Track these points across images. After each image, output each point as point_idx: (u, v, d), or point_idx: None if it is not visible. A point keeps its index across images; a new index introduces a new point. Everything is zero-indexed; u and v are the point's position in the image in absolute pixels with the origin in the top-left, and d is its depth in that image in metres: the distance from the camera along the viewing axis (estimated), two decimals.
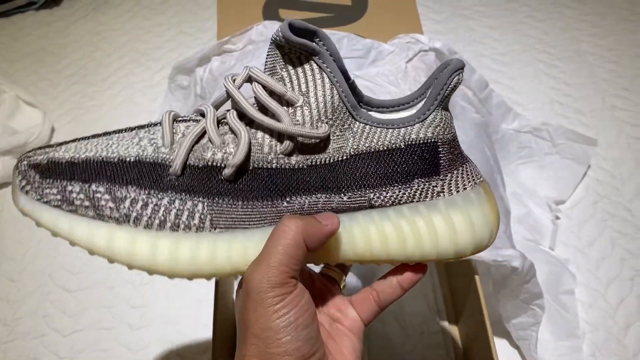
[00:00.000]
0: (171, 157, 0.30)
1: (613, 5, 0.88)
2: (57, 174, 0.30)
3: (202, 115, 0.32)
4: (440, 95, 0.31)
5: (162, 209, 0.30)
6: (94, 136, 0.32)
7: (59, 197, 0.30)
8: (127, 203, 0.30)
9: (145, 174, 0.30)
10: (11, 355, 0.58)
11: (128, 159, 0.30)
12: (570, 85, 0.78)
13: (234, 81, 0.32)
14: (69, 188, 0.30)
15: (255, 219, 0.31)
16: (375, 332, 0.57)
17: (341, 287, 0.39)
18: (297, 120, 0.30)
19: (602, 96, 0.76)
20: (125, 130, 0.32)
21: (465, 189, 0.32)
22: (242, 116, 0.31)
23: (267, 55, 0.31)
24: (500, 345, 0.56)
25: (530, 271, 0.49)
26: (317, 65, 0.30)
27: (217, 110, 0.32)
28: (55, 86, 0.82)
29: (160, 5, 0.92)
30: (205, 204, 0.30)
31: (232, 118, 0.31)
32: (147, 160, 0.30)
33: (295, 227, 0.28)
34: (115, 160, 0.30)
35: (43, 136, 0.74)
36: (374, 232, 0.32)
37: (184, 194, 0.30)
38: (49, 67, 0.85)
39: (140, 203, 0.30)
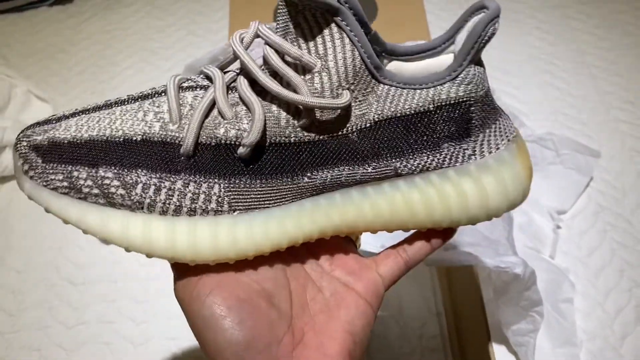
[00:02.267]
0: (181, 136, 0.28)
1: (619, 19, 0.89)
2: (60, 157, 0.28)
3: (209, 79, 0.30)
4: (474, 49, 0.28)
5: (177, 193, 0.28)
6: (94, 109, 0.30)
7: (65, 184, 0.28)
8: (139, 189, 0.28)
9: (155, 155, 0.28)
10: (15, 346, 0.59)
11: (134, 138, 0.28)
12: (575, 97, 0.79)
13: (242, 41, 0.28)
14: (75, 174, 0.28)
15: (275, 197, 0.29)
16: (375, 334, 0.57)
17: (357, 245, 0.36)
18: (315, 89, 0.28)
19: (607, 108, 0.77)
20: (129, 101, 0.30)
21: (498, 148, 0.30)
22: (253, 82, 0.29)
23: (277, 13, 0.28)
24: (498, 351, 0.56)
25: (531, 278, 0.50)
26: (337, 24, 0.27)
27: (224, 73, 0.30)
28: (65, 82, 0.83)
29: (172, 5, 0.93)
30: (222, 185, 0.28)
31: (243, 88, 0.28)
32: (155, 139, 0.28)
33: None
34: (121, 140, 0.28)
35: None
36: (400, 201, 0.30)
37: (198, 175, 0.28)
38: (60, 63, 0.86)
39: (152, 188, 0.28)
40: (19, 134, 0.29)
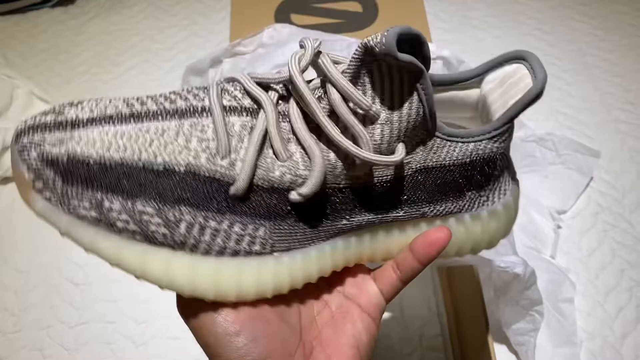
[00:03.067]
0: (231, 174, 0.26)
1: (620, 20, 0.89)
2: (85, 180, 0.25)
3: (256, 103, 0.28)
4: (517, 116, 0.29)
5: (222, 234, 0.26)
6: (119, 118, 0.26)
7: (94, 214, 0.25)
8: (183, 228, 0.26)
9: (200, 190, 0.26)
10: (17, 345, 0.60)
11: (177, 169, 0.25)
12: (576, 97, 0.79)
13: (299, 64, 0.27)
14: (107, 204, 0.25)
15: (312, 237, 0.29)
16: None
17: None
18: (375, 140, 0.27)
19: (607, 109, 0.77)
20: (162, 115, 0.26)
21: (505, 193, 0.32)
22: (304, 114, 0.28)
23: (353, 57, 0.26)
24: (499, 350, 0.56)
25: (531, 278, 0.50)
26: (412, 83, 0.26)
27: (266, 90, 0.28)
28: (68, 83, 0.84)
29: (174, 6, 0.93)
30: (267, 227, 0.27)
31: (300, 127, 0.27)
32: (202, 173, 0.26)
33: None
34: (161, 168, 0.25)
35: None
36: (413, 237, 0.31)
37: (244, 217, 0.27)
38: (63, 64, 0.86)
39: (196, 227, 0.26)
40: (21, 136, 0.25)
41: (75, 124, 0.26)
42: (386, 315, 0.59)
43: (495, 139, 0.30)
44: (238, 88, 0.28)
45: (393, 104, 0.27)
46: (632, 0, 0.91)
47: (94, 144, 0.25)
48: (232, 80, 0.29)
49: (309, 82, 0.28)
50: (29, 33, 0.91)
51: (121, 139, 0.25)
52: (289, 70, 0.27)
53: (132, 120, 0.26)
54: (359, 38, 0.63)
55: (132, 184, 0.25)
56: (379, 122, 0.27)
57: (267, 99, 0.27)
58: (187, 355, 0.58)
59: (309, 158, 0.27)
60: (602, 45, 0.85)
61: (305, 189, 0.26)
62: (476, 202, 0.31)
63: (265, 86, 0.28)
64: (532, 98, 0.28)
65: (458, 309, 0.58)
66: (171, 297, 0.64)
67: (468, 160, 0.30)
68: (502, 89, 0.30)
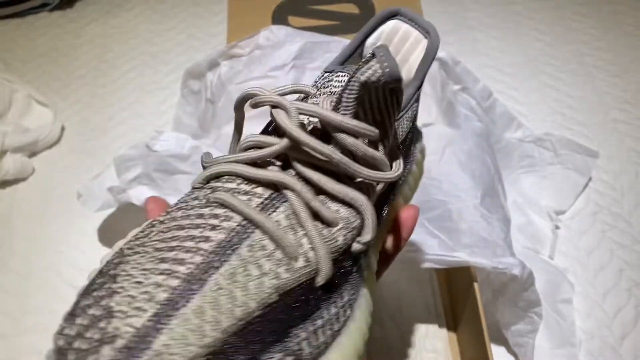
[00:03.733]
0: (311, 270, 0.24)
1: (618, 20, 0.89)
2: None
3: (273, 186, 0.26)
4: (427, 71, 0.32)
5: (327, 325, 0.25)
6: (175, 297, 0.21)
7: None
8: (305, 345, 0.23)
9: (299, 304, 0.24)
10: (18, 349, 0.60)
11: (270, 300, 0.22)
12: (574, 98, 0.79)
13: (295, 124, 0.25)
14: None
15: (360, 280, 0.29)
16: (374, 336, 0.58)
17: None
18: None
19: (605, 109, 0.77)
20: (212, 259, 0.22)
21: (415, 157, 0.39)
22: (311, 165, 0.26)
23: (350, 94, 0.26)
24: (497, 352, 0.57)
25: (529, 279, 0.50)
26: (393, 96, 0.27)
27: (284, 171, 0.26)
28: (66, 86, 0.84)
29: (172, 9, 0.94)
30: (347, 292, 0.27)
31: (331, 183, 0.26)
32: (291, 287, 0.23)
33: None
34: (259, 311, 0.22)
35: (53, 135, 0.75)
36: None
37: (334, 295, 0.26)
38: (61, 67, 0.87)
39: (312, 336, 0.24)
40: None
41: (146, 339, 0.20)
42: (385, 316, 0.59)
43: (416, 98, 0.31)
44: (237, 181, 0.26)
45: (384, 121, 0.27)
46: (629, 0, 0.91)
47: (186, 341, 0.20)
48: (218, 176, 0.27)
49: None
50: (28, 37, 0.91)
51: (207, 316, 0.21)
52: (293, 135, 0.25)
53: (191, 288, 0.21)
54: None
55: (244, 350, 0.21)
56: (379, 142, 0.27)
57: (286, 175, 0.26)
58: None
59: (351, 207, 0.26)
60: (600, 45, 0.85)
61: (368, 236, 0.26)
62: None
63: (264, 164, 0.27)
64: (435, 51, 0.29)
65: (456, 311, 0.58)
66: None
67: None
68: (392, 47, 0.30)
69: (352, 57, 0.33)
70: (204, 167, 0.28)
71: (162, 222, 0.25)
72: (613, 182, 0.69)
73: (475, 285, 0.50)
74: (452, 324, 0.58)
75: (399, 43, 0.29)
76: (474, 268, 0.51)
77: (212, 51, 0.67)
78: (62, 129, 0.78)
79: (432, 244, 0.50)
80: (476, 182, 0.54)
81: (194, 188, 0.27)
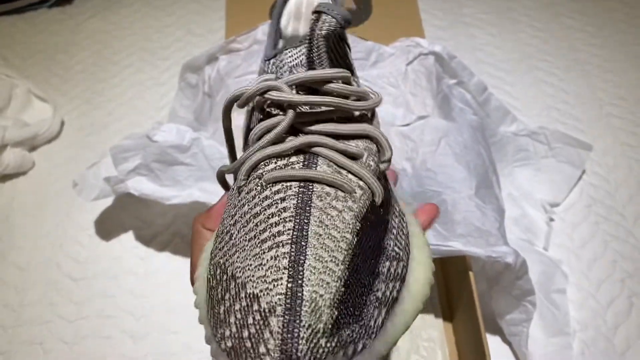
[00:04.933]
0: (366, 196, 0.28)
1: (612, 17, 0.90)
2: None
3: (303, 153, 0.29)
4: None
5: (398, 237, 0.29)
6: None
7: None
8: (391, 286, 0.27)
9: (373, 227, 0.27)
10: (18, 340, 0.60)
11: (356, 229, 0.26)
12: (568, 93, 0.80)
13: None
14: None
15: None
16: None
17: None
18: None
19: (599, 104, 0.78)
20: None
21: None
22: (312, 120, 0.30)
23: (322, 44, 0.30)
24: (492, 341, 0.57)
25: (522, 268, 0.51)
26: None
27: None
28: (65, 82, 0.85)
29: (170, 6, 0.94)
30: (397, 208, 0.31)
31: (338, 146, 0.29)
32: (362, 214, 0.27)
33: (193, 223, 0.31)
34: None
35: (53, 129, 0.76)
36: None
37: (392, 215, 0.29)
38: (60, 63, 0.87)
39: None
40: None
41: None
42: None
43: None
44: (273, 161, 0.29)
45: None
46: None
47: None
48: (254, 168, 0.29)
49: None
50: (27, 33, 0.92)
51: (321, 260, 0.24)
52: (295, 101, 0.28)
53: (300, 245, 0.25)
54: (352, 34, 0.64)
55: (364, 269, 0.25)
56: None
57: (307, 136, 0.29)
58: (186, 350, 0.59)
59: (364, 137, 0.30)
60: (594, 41, 0.86)
61: (388, 153, 0.30)
62: None
63: (282, 139, 0.29)
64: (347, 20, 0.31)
65: (452, 300, 0.58)
66: (169, 293, 0.65)
67: None
68: (303, 21, 0.31)
69: (278, 41, 0.34)
70: (221, 174, 0.32)
71: (234, 224, 0.27)
72: (607, 176, 0.70)
73: (471, 274, 0.51)
74: (447, 314, 0.59)
75: (307, 11, 0.31)
76: (468, 257, 0.52)
77: (210, 46, 0.68)
78: (62, 123, 0.79)
79: (427, 234, 0.51)
80: (471, 174, 0.55)
81: (239, 187, 0.29)
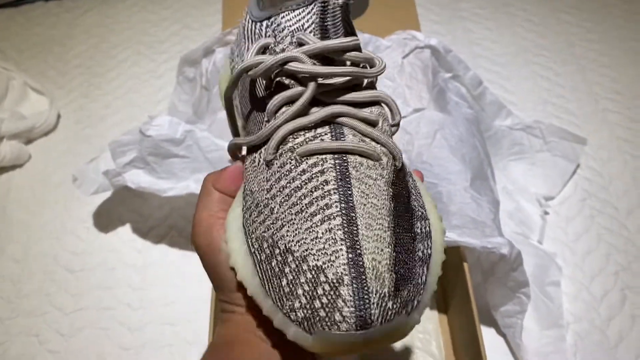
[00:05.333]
0: (391, 162, 0.30)
1: (609, 12, 0.90)
2: None
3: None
4: None
5: (417, 196, 0.31)
6: None
7: None
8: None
9: (401, 190, 0.30)
10: (14, 331, 0.60)
11: (391, 194, 0.28)
12: (564, 87, 0.80)
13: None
14: None
15: None
16: None
17: None
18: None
19: (595, 99, 0.79)
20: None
21: None
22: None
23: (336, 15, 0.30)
24: (486, 333, 0.58)
25: (517, 259, 0.51)
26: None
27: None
28: (62, 75, 0.85)
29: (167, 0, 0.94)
30: (408, 170, 0.32)
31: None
32: (391, 179, 0.29)
33: (204, 181, 0.31)
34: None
35: (50, 122, 0.76)
36: None
37: (409, 175, 0.32)
38: (57, 56, 0.87)
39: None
40: None
41: None
42: None
43: None
44: (300, 134, 0.29)
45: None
46: None
47: None
48: (283, 141, 0.29)
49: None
50: (24, 26, 0.92)
51: (371, 228, 0.26)
52: (318, 72, 0.28)
53: (350, 217, 0.26)
54: None
55: (403, 230, 0.28)
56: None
57: (331, 107, 0.29)
58: (182, 341, 0.59)
59: (376, 104, 0.31)
60: (590, 36, 0.87)
61: (397, 117, 0.31)
62: None
63: (306, 111, 0.30)
64: None
65: (447, 293, 0.59)
66: (166, 285, 0.65)
67: None
68: None
69: None
70: (234, 147, 0.32)
71: (273, 198, 0.28)
72: (601, 170, 0.71)
73: (466, 266, 0.51)
74: (442, 307, 0.59)
75: None
76: (463, 249, 0.52)
77: (207, 39, 0.68)
78: (58, 116, 0.79)
79: None
80: (466, 166, 0.55)
81: (268, 161, 0.29)
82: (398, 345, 0.57)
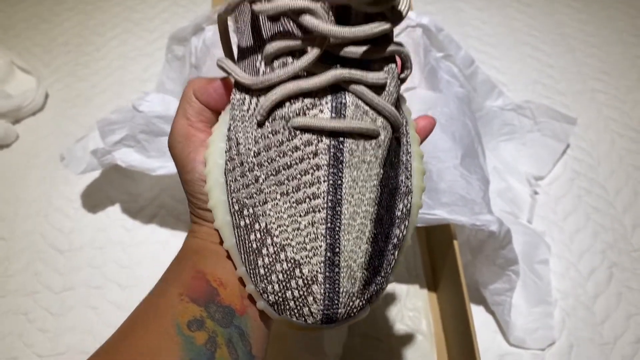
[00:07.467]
0: (389, 136, 0.28)
1: None
2: None
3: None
4: None
5: (405, 168, 0.30)
6: None
7: None
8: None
9: (390, 165, 0.29)
10: (2, 309, 0.60)
11: (380, 177, 0.27)
12: (554, 68, 0.80)
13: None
14: None
15: None
16: None
17: None
18: None
19: (584, 79, 0.79)
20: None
21: None
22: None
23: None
24: (476, 310, 0.58)
25: (506, 237, 0.52)
26: None
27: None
28: (48, 53, 0.83)
29: None
30: (405, 140, 0.31)
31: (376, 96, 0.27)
32: (386, 155, 0.28)
33: (186, 86, 0.31)
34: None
35: (37, 101, 0.75)
36: None
37: (403, 146, 0.31)
38: (43, 34, 0.86)
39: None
40: None
41: None
42: None
43: None
44: (300, 99, 0.26)
45: None
46: None
47: None
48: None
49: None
50: (9, 3, 0.90)
51: (355, 217, 0.26)
52: (334, 33, 0.24)
53: (334, 211, 0.26)
54: None
55: (385, 212, 0.28)
56: None
57: (340, 70, 0.26)
58: None
59: (388, 61, 0.27)
60: (580, 17, 0.87)
61: (408, 71, 0.29)
62: None
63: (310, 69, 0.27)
64: None
65: (436, 270, 0.59)
66: (155, 264, 0.64)
67: None
68: None
69: None
70: (222, 68, 0.28)
71: (260, 166, 0.27)
72: (590, 150, 0.71)
73: (455, 243, 0.52)
74: (432, 284, 0.60)
75: None
76: (453, 226, 0.52)
77: (196, 16, 0.67)
78: (46, 95, 0.78)
79: None
80: (456, 144, 0.55)
81: (259, 122, 0.27)
82: (387, 322, 0.57)
